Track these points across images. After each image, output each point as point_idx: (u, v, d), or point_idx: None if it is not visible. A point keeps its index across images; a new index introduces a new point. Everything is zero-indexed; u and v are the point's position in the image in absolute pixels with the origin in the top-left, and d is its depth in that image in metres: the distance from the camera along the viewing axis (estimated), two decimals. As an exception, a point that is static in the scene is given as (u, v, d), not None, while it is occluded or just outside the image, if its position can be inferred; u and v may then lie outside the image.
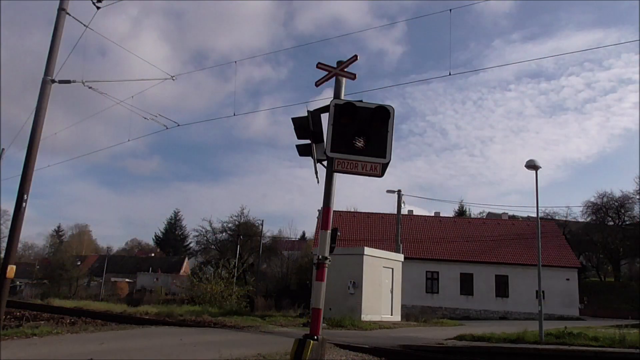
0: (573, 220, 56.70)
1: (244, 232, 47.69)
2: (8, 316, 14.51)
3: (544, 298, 16.00)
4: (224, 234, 50.13)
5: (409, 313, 25.20)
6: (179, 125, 14.22)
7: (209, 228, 50.11)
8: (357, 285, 19.61)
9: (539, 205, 17.11)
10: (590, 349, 11.27)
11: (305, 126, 6.77)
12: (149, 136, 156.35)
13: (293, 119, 6.95)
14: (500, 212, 50.06)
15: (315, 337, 6.09)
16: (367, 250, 20.70)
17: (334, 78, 7.13)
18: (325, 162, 6.80)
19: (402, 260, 23.03)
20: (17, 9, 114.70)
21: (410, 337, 14.20)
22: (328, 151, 6.47)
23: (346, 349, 10.11)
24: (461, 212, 61.60)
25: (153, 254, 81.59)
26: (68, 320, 14.34)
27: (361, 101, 6.75)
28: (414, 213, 46.08)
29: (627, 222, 54.30)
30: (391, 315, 21.27)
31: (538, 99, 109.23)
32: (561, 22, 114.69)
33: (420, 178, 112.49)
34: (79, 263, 58.63)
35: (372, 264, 20.40)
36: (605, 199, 54.74)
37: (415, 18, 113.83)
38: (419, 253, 37.83)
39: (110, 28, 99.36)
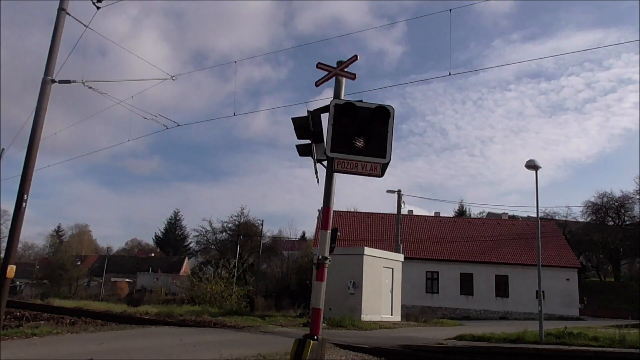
0: (573, 220, 56.78)
1: (244, 232, 47.69)
2: (8, 316, 14.51)
3: (544, 298, 15.99)
4: (224, 234, 50.20)
5: (409, 313, 25.20)
6: (179, 125, 14.23)
7: (209, 228, 50.21)
8: (357, 285, 19.61)
9: (539, 205, 17.14)
10: (590, 349, 11.27)
11: (305, 126, 6.77)
12: (149, 136, 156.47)
13: (293, 119, 6.95)
14: (500, 212, 50.13)
15: (315, 337, 6.09)
16: (367, 250, 20.71)
17: (334, 78, 7.13)
18: (325, 162, 6.79)
19: (402, 260, 23.03)
20: (17, 9, 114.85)
21: (410, 337, 14.20)
22: (328, 151, 6.47)
23: (346, 349, 10.11)
24: (461, 212, 61.60)
25: (153, 254, 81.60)
26: (68, 320, 14.34)
27: (361, 101, 6.75)
28: (414, 213, 46.08)
29: (627, 222, 54.30)
30: (391, 315, 21.27)
31: (538, 99, 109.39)
32: (561, 22, 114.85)
33: (420, 178, 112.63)
34: (79, 263, 58.63)
35: (372, 264, 20.40)
36: (605, 199, 54.80)
37: (415, 18, 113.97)
38: (419, 253, 37.82)
39: (110, 28, 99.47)
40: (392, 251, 24.93)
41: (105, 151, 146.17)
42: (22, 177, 10.57)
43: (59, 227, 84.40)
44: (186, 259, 72.17)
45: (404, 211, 36.17)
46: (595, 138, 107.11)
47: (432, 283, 37.98)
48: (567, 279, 37.14)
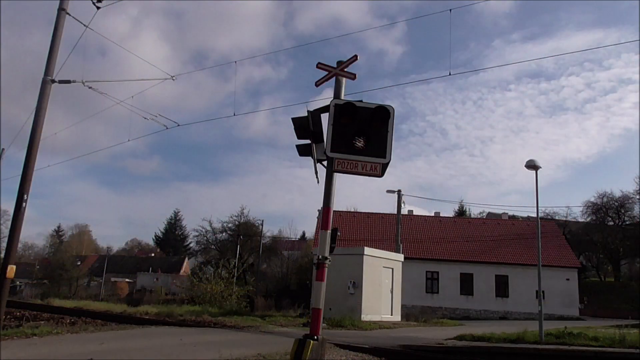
0: (573, 220, 56.77)
1: (244, 232, 47.69)
2: (8, 316, 14.51)
3: (544, 298, 15.99)
4: (224, 234, 50.20)
5: (409, 313, 25.20)
6: (179, 125, 14.24)
7: (209, 228, 50.20)
8: (357, 285, 19.61)
9: (539, 205, 17.14)
10: (590, 349, 11.27)
11: (305, 126, 6.77)
12: (149, 136, 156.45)
13: (293, 119, 6.95)
14: (500, 212, 50.13)
15: (315, 337, 6.09)
16: (367, 250, 20.70)
17: (334, 78, 7.13)
18: (325, 162, 6.80)
19: (402, 260, 23.03)
20: (17, 9, 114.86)
21: (410, 337, 14.20)
22: (328, 151, 6.47)
23: (346, 349, 10.11)
24: (461, 212, 61.59)
25: (153, 254, 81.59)
26: (68, 320, 14.34)
27: (361, 101, 6.75)
28: (414, 213, 46.08)
29: (627, 222, 54.29)
30: (391, 315, 21.27)
31: (538, 99, 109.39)
32: (561, 22, 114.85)
33: (420, 178, 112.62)
34: (79, 263, 58.63)
35: (372, 264, 20.40)
36: (605, 199, 54.79)
37: (415, 18, 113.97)
38: (419, 253, 37.82)
39: (110, 28, 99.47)
40: (392, 251, 24.93)
41: (105, 151, 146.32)
42: (22, 177, 10.58)
43: (59, 227, 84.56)
44: (186, 259, 72.17)
45: (404, 211, 36.19)
46: (595, 138, 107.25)
47: (432, 283, 37.98)
48: (567, 279, 37.14)
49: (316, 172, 6.89)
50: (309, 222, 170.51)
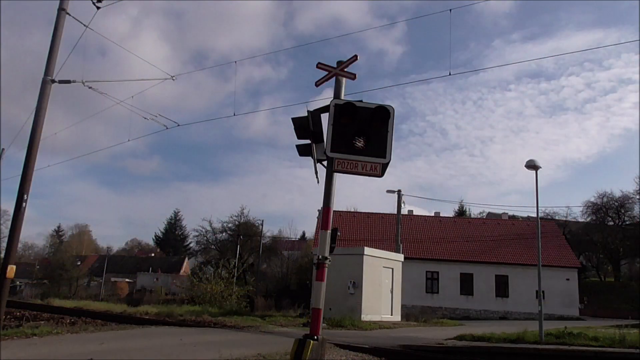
0: (573, 220, 56.76)
1: (244, 232, 47.69)
2: (8, 316, 14.51)
3: (544, 298, 15.99)
4: (224, 234, 50.20)
5: (409, 313, 25.20)
6: (179, 125, 14.24)
7: (209, 228, 50.20)
8: (357, 285, 19.61)
9: (539, 205, 17.14)
10: (590, 349, 11.27)
11: (305, 126, 6.77)
12: (149, 136, 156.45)
13: (293, 119, 6.95)
14: (500, 212, 50.12)
15: (315, 337, 6.09)
16: (367, 250, 20.70)
17: (334, 78, 7.13)
18: (325, 162, 6.80)
19: (402, 260, 23.03)
20: (17, 9, 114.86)
21: (410, 337, 14.20)
22: (328, 151, 6.47)
23: (346, 349, 10.11)
24: (461, 212, 61.58)
25: (153, 254, 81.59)
26: (68, 320, 14.34)
27: (361, 101, 6.75)
28: (414, 213, 46.08)
29: (627, 222, 54.29)
30: (391, 315, 21.27)
31: (538, 99, 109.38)
32: (561, 22, 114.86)
33: (420, 178, 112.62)
34: (79, 263, 58.63)
35: (372, 264, 20.39)
36: (605, 199, 54.78)
37: (415, 18, 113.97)
38: (419, 253, 37.82)
39: (110, 28, 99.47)
40: (392, 251, 24.93)
41: (105, 151, 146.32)
42: (22, 177, 10.58)
43: (59, 227, 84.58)
44: (186, 259, 72.17)
45: (404, 211, 36.18)
46: (595, 138, 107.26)
47: (432, 283, 37.97)
48: (567, 279, 37.14)
49: (316, 172, 6.89)
50: (309, 222, 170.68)
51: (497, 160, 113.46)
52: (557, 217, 53.00)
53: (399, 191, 31.50)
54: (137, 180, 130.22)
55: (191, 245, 70.53)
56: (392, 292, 21.61)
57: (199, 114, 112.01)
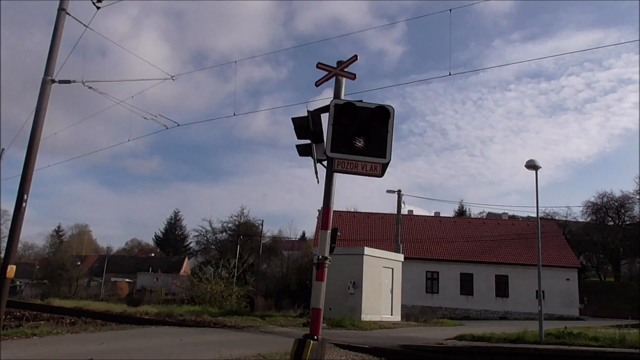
0: (573, 220, 56.76)
1: (244, 232, 47.69)
2: (8, 316, 14.51)
3: (544, 298, 15.99)
4: (224, 234, 50.20)
5: (409, 313, 25.20)
6: (179, 125, 14.24)
7: (209, 228, 50.20)
8: (357, 285, 19.61)
9: (539, 205, 17.14)
10: (590, 349, 11.27)
11: (305, 126, 6.77)
12: (149, 136, 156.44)
13: (293, 119, 6.95)
14: (500, 212, 50.12)
15: (315, 337, 6.09)
16: (367, 250, 20.70)
17: (334, 78, 7.13)
18: (325, 162, 6.80)
19: (402, 260, 23.03)
20: (17, 9, 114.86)
21: (410, 337, 14.20)
22: (328, 151, 6.47)
23: (346, 349, 10.11)
24: (461, 212, 61.58)
25: (153, 254, 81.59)
26: (68, 320, 14.34)
27: (361, 101, 6.75)
28: (414, 213, 46.08)
29: (627, 222, 54.29)
30: (391, 315, 21.27)
31: (538, 99, 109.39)
32: (561, 22, 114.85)
33: (420, 178, 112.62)
34: (79, 263, 58.63)
35: (372, 264, 20.39)
36: (605, 199, 54.79)
37: (415, 18, 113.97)
38: (419, 253, 37.82)
39: (110, 28, 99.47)
40: (392, 251, 24.92)
41: (105, 151, 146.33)
42: (22, 177, 10.57)
43: (59, 227, 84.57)
44: (186, 259, 72.17)
45: (404, 211, 36.18)
46: (595, 138, 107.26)
47: (432, 283, 37.97)
48: (567, 279, 37.14)
49: (316, 172, 6.89)
50: (309, 222, 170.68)
51: (497, 160, 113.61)
52: (557, 217, 53.08)
53: (399, 191, 31.51)
54: (137, 180, 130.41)
55: (191, 245, 70.64)
56: (392, 292, 21.61)
57: (199, 114, 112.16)
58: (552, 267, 34.73)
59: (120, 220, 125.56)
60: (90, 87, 12.01)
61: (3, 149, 20.73)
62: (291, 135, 6.98)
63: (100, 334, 10.67)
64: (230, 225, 49.29)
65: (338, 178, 6.79)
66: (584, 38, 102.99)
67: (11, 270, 10.06)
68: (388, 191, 31.80)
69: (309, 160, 6.90)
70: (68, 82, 11.66)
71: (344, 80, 7.12)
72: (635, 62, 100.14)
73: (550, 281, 33.11)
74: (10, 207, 32.82)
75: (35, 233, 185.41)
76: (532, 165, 15.83)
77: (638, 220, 52.55)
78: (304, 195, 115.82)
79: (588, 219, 55.87)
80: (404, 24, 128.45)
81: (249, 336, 11.99)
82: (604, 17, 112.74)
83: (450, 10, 10.03)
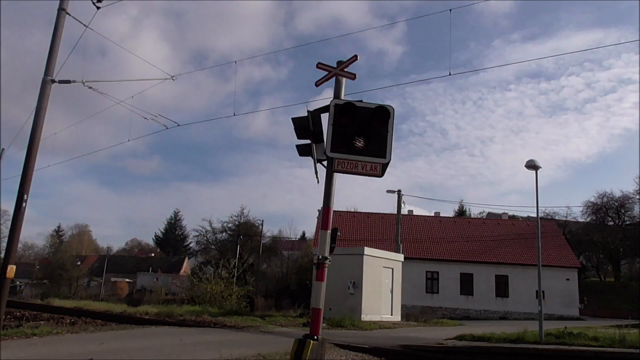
0: (573, 220, 56.76)
1: (244, 232, 47.69)
2: (8, 316, 14.51)
3: (544, 298, 15.99)
4: (224, 234, 50.20)
5: (409, 313, 25.20)
6: (179, 125, 14.24)
7: (209, 228, 50.21)
8: (357, 285, 19.61)
9: (539, 205, 17.14)
10: (590, 349, 11.27)
11: (305, 126, 6.77)
12: (149, 136, 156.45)
13: (293, 119, 6.95)
14: (500, 212, 50.12)
15: (315, 337, 6.09)
16: (367, 250, 20.70)
17: (334, 78, 7.13)
18: (325, 162, 6.80)
19: (402, 260, 23.03)
20: (17, 9, 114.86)
21: (410, 337, 14.20)
22: (328, 151, 6.47)
23: (346, 349, 10.11)
24: (461, 212, 61.58)
25: (153, 254, 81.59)
26: (68, 320, 14.34)
27: (361, 101, 6.75)
28: (414, 213, 46.08)
29: (627, 222, 54.28)
30: (391, 315, 21.27)
31: (538, 99, 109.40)
32: (561, 22, 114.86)
33: (420, 178, 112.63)
34: (79, 263, 58.63)
35: (372, 264, 20.39)
36: (605, 199, 54.78)
37: (415, 18, 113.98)
38: (419, 253, 37.82)
39: (110, 28, 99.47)
40: (392, 251, 24.92)
41: (105, 151, 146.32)
42: (22, 177, 10.57)
43: (59, 227, 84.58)
44: (186, 259, 72.17)
45: (404, 211, 36.18)
46: (595, 138, 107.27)
47: (432, 283, 37.97)
48: (567, 279, 37.14)
49: (316, 172, 6.89)
50: (309, 222, 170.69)
51: (497, 160, 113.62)
52: (557, 217, 53.09)
53: (399, 191, 31.51)
54: (137, 180, 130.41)
55: (191, 245, 70.64)
56: (392, 292, 21.61)
57: (199, 114, 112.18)
58: (552, 267, 34.73)
59: (120, 220, 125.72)
60: (90, 87, 12.02)
61: (3, 149, 20.74)
62: (291, 135, 6.99)
63: (100, 334, 10.67)
64: (230, 225, 49.38)
65: (338, 178, 6.79)
66: (584, 38, 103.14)
67: (11, 270, 10.06)
68: (388, 191, 31.83)
69: (309, 160, 6.90)
70: (68, 82, 11.66)
71: (344, 80, 7.12)
72: (635, 62, 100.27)
73: (550, 281, 33.11)
74: (10, 207, 32.84)
75: (35, 233, 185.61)
76: (532, 165, 15.83)
77: (638, 220, 52.56)
78: (304, 195, 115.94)
79: (588, 219, 55.92)
80: (404, 24, 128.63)
81: (249, 336, 11.99)
82: (604, 17, 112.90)
83: (450, 10, 10.04)
